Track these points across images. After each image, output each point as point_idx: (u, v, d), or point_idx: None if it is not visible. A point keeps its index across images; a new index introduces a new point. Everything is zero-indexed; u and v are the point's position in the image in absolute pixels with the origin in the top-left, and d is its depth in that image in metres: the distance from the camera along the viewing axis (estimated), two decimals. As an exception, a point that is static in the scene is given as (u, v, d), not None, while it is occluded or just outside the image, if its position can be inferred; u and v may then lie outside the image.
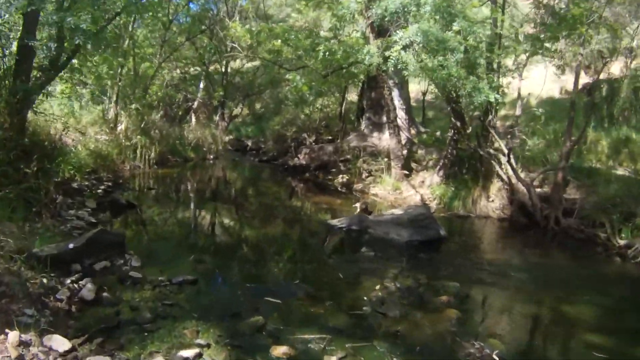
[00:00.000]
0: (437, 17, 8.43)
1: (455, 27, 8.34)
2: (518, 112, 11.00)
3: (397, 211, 8.79)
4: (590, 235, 8.76)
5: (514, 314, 5.63)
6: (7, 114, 7.00)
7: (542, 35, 9.84)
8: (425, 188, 11.74)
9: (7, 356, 3.44)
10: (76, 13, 7.08)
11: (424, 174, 12.43)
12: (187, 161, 15.53)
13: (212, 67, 20.78)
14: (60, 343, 3.75)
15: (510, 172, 9.92)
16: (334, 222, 8.49)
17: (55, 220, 6.88)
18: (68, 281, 4.94)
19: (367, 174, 13.11)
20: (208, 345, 4.05)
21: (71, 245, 5.51)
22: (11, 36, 7.87)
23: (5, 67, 7.60)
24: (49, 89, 8.91)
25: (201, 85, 20.83)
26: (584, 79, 13.92)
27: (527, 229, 9.58)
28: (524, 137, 11.52)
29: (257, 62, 20.44)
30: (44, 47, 7.96)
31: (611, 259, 8.07)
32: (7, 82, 7.37)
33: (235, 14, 20.62)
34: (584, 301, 6.06)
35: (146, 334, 4.18)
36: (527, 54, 10.14)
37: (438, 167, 11.88)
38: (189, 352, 3.86)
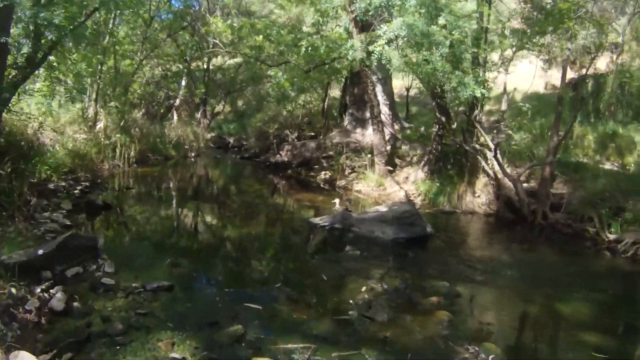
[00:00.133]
0: (423, 10, 8.31)
1: (441, 21, 8.25)
2: (504, 107, 10.93)
3: (382, 208, 8.62)
4: (579, 230, 8.72)
5: (507, 313, 5.49)
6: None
7: (528, 30, 9.74)
8: (409, 184, 11.60)
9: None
10: (50, 9, 6.76)
11: (408, 170, 12.29)
12: (168, 159, 15.23)
13: (193, 64, 20.52)
14: (27, 360, 3.51)
15: (497, 167, 9.83)
16: (317, 220, 8.31)
17: (28, 223, 6.56)
18: (38, 290, 4.68)
19: (350, 171, 12.94)
20: (184, 359, 3.80)
21: (41, 252, 5.20)
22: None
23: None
24: (29, 87, 8.57)
25: (183, 83, 20.55)
26: (570, 74, 13.91)
27: (514, 224, 9.53)
28: (509, 132, 11.44)
29: (239, 59, 20.25)
30: (17, 44, 7.66)
31: (601, 253, 8.01)
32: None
33: (217, 10, 20.31)
34: (576, 298, 5.96)
35: (118, 347, 3.92)
36: (514, 49, 10.04)
37: (423, 162, 11.75)
38: (164, 367, 3.61)
